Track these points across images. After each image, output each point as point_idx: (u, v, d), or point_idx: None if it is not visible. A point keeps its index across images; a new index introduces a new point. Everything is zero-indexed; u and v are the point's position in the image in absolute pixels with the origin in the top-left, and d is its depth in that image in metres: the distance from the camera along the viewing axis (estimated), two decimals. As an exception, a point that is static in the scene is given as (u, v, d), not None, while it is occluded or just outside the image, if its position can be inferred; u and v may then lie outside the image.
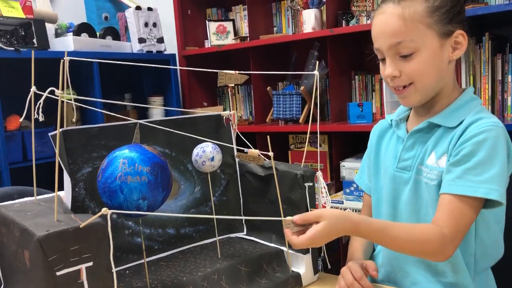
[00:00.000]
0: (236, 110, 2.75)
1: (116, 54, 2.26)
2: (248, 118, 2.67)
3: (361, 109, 2.12)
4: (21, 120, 0.76)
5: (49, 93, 0.74)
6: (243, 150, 0.99)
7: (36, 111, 0.72)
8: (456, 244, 0.94)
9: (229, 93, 2.76)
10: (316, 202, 1.03)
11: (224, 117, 1.13)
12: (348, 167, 2.07)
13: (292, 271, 1.01)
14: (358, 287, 0.95)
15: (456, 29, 0.98)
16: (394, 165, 1.08)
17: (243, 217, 1.13)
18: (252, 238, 1.13)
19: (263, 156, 0.99)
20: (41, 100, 0.70)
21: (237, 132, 1.15)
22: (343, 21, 2.18)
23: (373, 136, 1.20)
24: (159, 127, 0.93)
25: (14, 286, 0.81)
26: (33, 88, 0.77)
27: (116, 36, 2.36)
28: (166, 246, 1.05)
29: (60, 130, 0.87)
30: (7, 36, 1.92)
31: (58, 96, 0.74)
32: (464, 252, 1.00)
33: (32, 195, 0.90)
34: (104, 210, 0.65)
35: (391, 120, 1.15)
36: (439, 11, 0.96)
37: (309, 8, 2.26)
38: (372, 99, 2.24)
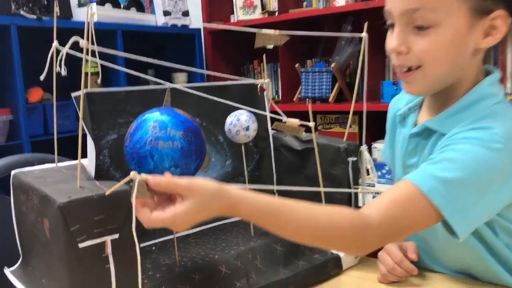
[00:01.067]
0: (262, 88, 2.66)
1: (140, 26, 2.18)
2: (274, 97, 2.58)
3: (395, 88, 2.01)
4: (42, 77, 0.69)
5: (73, 45, 0.66)
6: (281, 120, 0.91)
7: (58, 64, 0.64)
8: (383, 240, 0.74)
9: (255, 70, 2.67)
10: (359, 181, 0.94)
11: (258, 86, 1.04)
12: (380, 149, 1.96)
13: (332, 253, 0.93)
14: (400, 271, 0.86)
15: (497, 9, 0.74)
16: (401, 168, 0.92)
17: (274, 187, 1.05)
18: (286, 217, 1.04)
19: (303, 127, 0.90)
20: (64, 51, 0.62)
21: (271, 103, 1.07)
22: (379, -6, 2.06)
23: (388, 120, 1.00)
24: (191, 91, 0.84)
25: (33, 259, 0.75)
26: (55, 43, 0.70)
27: (141, 8, 2.28)
28: (194, 222, 0.98)
29: (85, 91, 0.79)
30: (29, 5, 1.86)
31: (81, 52, 0.66)
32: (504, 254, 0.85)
33: (53, 163, 0.83)
34: (133, 175, 0.57)
35: (399, 111, 0.92)
36: None
37: (343, -20, 2.14)
38: (407, 78, 2.12)
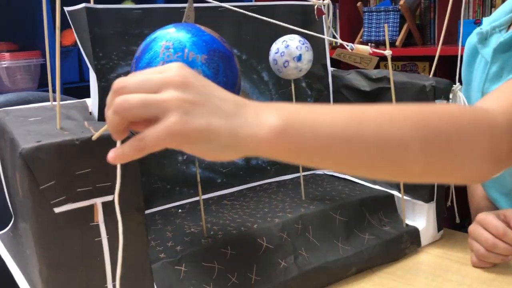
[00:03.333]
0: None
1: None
2: (332, 43, 2.31)
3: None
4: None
5: None
6: (346, 47, 0.68)
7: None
8: None
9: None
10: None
11: (315, 8, 0.81)
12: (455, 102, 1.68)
13: (407, 225, 0.71)
14: (504, 247, 0.62)
15: None
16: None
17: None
18: (346, 176, 0.83)
19: (376, 57, 0.67)
20: None
21: (331, 31, 0.84)
22: None
23: (465, 55, 0.86)
24: (226, 5, 0.63)
25: (20, 221, 0.58)
26: None
27: None
28: (232, 180, 0.78)
29: (85, 4, 0.60)
30: None
31: None
32: None
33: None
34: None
35: (479, 30, 0.78)
36: None
37: None
38: (491, 16, 1.80)
